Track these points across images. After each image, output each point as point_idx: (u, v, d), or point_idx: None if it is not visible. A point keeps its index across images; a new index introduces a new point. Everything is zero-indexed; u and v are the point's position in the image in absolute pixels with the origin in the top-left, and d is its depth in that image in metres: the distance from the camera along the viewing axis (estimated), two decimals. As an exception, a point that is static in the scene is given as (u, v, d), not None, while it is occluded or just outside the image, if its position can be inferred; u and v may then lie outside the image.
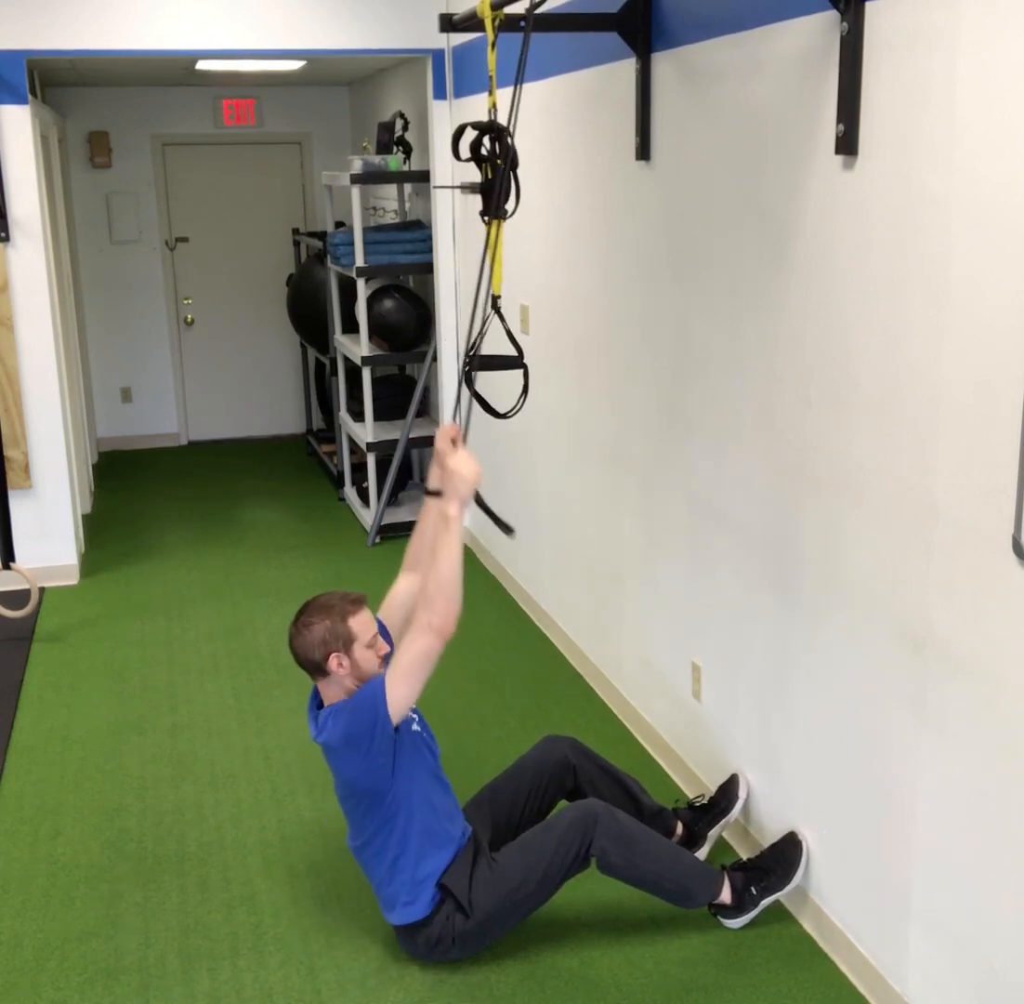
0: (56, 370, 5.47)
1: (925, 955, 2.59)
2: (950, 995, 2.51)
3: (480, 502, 2.89)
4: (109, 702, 4.44)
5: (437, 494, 2.88)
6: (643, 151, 3.58)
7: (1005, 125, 2.09)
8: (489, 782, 3.18)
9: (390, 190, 7.14)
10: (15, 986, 2.90)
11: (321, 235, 6.96)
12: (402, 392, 6.66)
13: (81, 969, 2.96)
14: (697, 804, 3.32)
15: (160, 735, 4.17)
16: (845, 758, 2.81)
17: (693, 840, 3.22)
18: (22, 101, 5.14)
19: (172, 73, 6.89)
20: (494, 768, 3.27)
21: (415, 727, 2.91)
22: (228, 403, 8.64)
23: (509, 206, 2.84)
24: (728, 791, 3.29)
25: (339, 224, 7.20)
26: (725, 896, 2.98)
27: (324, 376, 7.80)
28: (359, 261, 5.95)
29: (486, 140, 2.86)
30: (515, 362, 2.96)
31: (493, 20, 2.88)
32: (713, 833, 3.25)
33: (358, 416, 6.61)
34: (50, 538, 5.60)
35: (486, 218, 2.85)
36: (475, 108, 5.21)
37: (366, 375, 6.16)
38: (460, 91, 5.50)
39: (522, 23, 2.91)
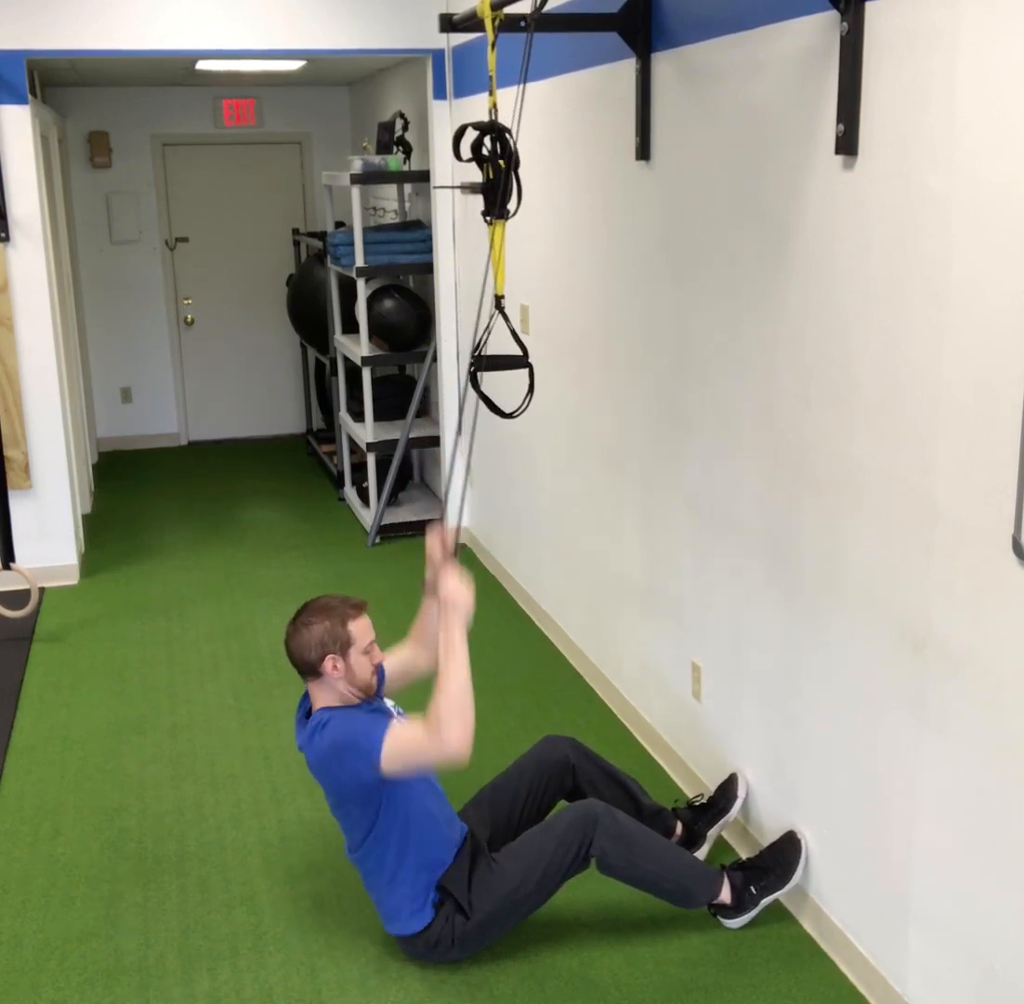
0: (56, 370, 5.47)
1: (925, 955, 2.59)
2: (950, 995, 2.51)
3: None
4: (109, 702, 4.44)
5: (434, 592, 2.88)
6: (643, 151, 3.58)
7: (1005, 125, 2.09)
8: (488, 782, 3.18)
9: (390, 190, 7.14)
10: (15, 986, 2.90)
11: (321, 235, 6.96)
12: (402, 392, 6.66)
13: (81, 969, 2.96)
14: (696, 804, 3.32)
15: (160, 735, 4.17)
16: (845, 758, 2.81)
17: (693, 840, 3.22)
18: (22, 101, 5.14)
19: (172, 73, 6.89)
20: (494, 768, 3.27)
21: None
22: (228, 403, 8.64)
23: (511, 206, 2.85)
24: (727, 791, 3.29)
25: (339, 224, 7.21)
26: (725, 896, 2.98)
27: (324, 376, 7.80)
28: (359, 261, 5.95)
29: (487, 140, 2.86)
30: (520, 361, 2.97)
31: (493, 20, 2.88)
32: (712, 833, 3.25)
33: (358, 416, 6.61)
34: (50, 538, 5.60)
35: (488, 218, 2.86)
36: (475, 108, 5.21)
37: (366, 375, 6.16)
38: (460, 91, 5.50)
39: (522, 23, 2.91)
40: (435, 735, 2.67)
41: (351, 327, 6.61)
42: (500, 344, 3.03)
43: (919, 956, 2.61)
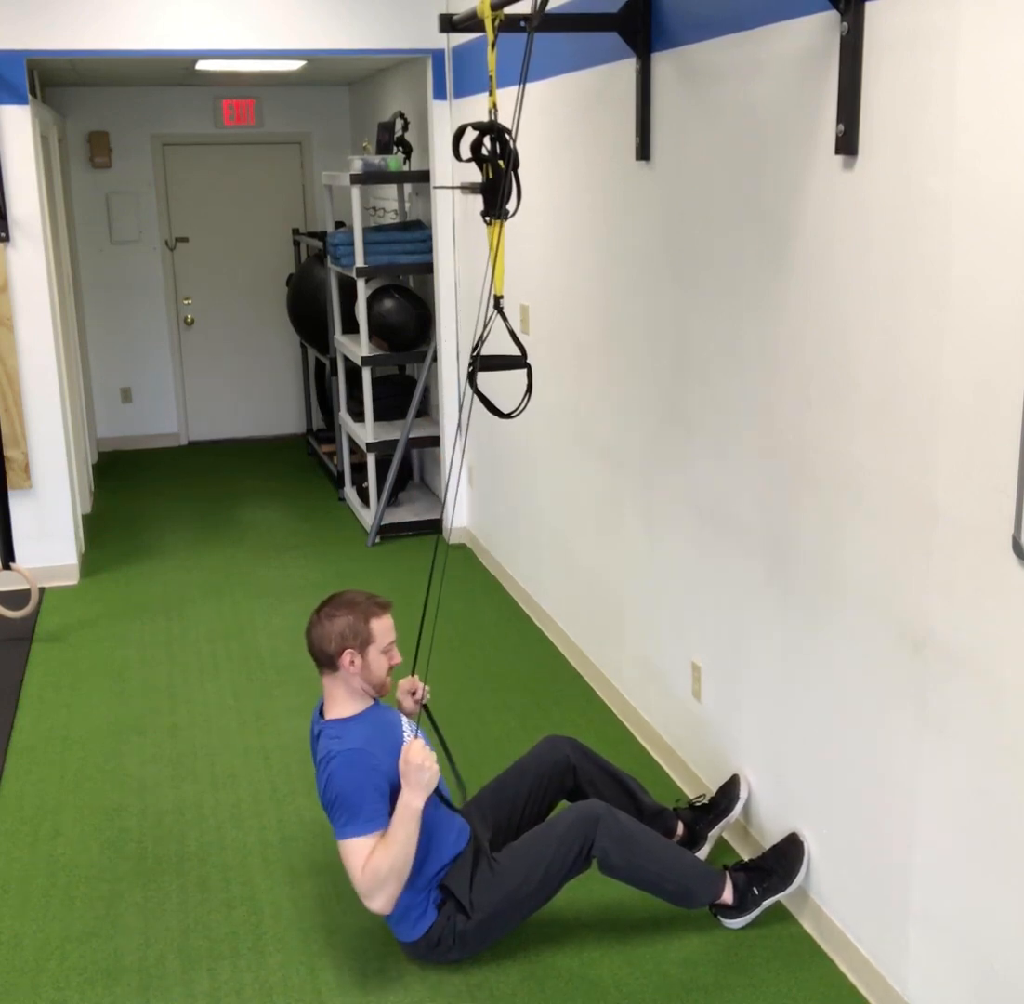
0: (56, 370, 5.47)
1: (925, 955, 2.59)
2: (950, 995, 2.51)
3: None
4: (109, 702, 4.44)
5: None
6: (643, 151, 3.58)
7: (1005, 125, 2.09)
8: (490, 782, 3.18)
9: (390, 190, 7.14)
10: (15, 986, 2.90)
11: (321, 235, 6.96)
12: (402, 392, 6.66)
13: (81, 969, 2.96)
14: (698, 804, 3.32)
15: (160, 735, 4.17)
16: (845, 758, 2.81)
17: (694, 840, 3.22)
18: (22, 101, 5.14)
19: (172, 73, 6.89)
20: (494, 768, 3.27)
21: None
22: (228, 403, 8.64)
23: (510, 206, 2.85)
24: (729, 791, 3.29)
25: (339, 224, 7.20)
26: (727, 896, 2.98)
27: (324, 376, 7.80)
28: (359, 261, 5.95)
29: (487, 140, 2.86)
30: (518, 362, 2.96)
31: (493, 20, 2.88)
32: (714, 833, 3.25)
33: (358, 416, 6.61)
34: (50, 538, 5.60)
35: (488, 219, 2.85)
36: (475, 108, 5.21)
37: (366, 375, 6.16)
38: (460, 91, 5.50)
39: (522, 23, 2.91)
40: (366, 885, 2.74)
41: (351, 327, 6.61)
42: (500, 344, 3.03)
43: (919, 956, 2.61)
